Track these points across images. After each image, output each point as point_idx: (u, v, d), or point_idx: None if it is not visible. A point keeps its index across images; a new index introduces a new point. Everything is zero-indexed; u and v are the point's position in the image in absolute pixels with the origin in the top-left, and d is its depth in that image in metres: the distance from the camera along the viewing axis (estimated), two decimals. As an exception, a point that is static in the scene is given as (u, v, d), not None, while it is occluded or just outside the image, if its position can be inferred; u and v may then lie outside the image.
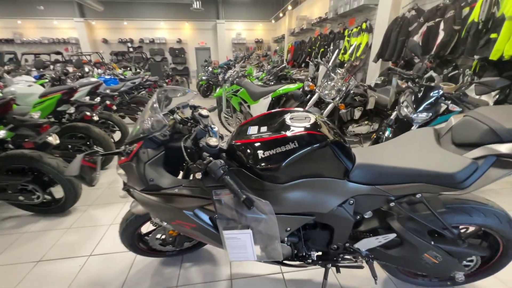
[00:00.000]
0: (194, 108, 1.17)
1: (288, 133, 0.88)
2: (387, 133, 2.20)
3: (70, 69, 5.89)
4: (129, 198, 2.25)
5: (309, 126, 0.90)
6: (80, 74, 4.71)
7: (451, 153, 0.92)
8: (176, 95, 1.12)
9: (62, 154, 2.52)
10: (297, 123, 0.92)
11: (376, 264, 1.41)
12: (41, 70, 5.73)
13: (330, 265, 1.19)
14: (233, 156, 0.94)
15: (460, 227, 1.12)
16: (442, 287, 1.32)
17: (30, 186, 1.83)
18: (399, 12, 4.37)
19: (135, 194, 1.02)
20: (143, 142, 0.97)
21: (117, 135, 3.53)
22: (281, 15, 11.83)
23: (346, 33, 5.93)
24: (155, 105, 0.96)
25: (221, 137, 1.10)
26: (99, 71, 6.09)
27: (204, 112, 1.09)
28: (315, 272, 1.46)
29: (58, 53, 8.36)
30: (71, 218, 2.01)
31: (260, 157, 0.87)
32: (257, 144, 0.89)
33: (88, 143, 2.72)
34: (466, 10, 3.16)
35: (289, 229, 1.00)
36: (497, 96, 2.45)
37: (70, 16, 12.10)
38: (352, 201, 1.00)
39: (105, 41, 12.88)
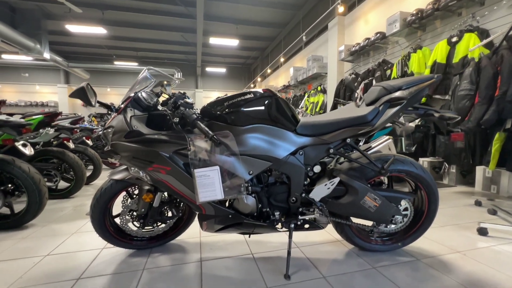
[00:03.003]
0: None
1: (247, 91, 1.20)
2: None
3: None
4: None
5: (264, 89, 1.23)
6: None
7: (363, 107, 1.29)
8: (164, 79, 1.42)
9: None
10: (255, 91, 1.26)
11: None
12: None
13: (292, 225, 1.33)
14: (205, 115, 1.21)
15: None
16: (393, 249, 1.46)
17: (-8, 192, 1.78)
18: (343, 75, 5.55)
19: (118, 146, 1.18)
20: (130, 100, 1.21)
21: (89, 172, 3.50)
22: (252, 85, 13.70)
23: (306, 95, 7.09)
24: (144, 73, 1.25)
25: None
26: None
27: (182, 91, 1.39)
28: (283, 252, 1.52)
29: (32, 113, 8.49)
30: (29, 231, 1.88)
31: (225, 105, 1.15)
32: (223, 99, 1.18)
33: (59, 168, 2.71)
34: (388, 71, 4.21)
35: (251, 172, 1.19)
36: (420, 122, 3.10)
37: (54, 82, 12.78)
38: (301, 153, 1.26)
39: (85, 105, 13.38)
